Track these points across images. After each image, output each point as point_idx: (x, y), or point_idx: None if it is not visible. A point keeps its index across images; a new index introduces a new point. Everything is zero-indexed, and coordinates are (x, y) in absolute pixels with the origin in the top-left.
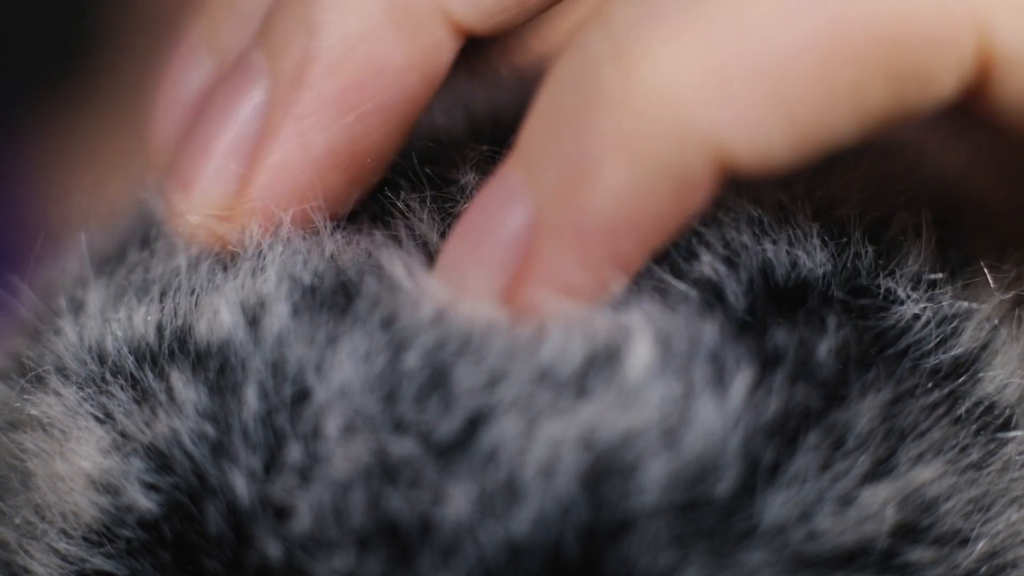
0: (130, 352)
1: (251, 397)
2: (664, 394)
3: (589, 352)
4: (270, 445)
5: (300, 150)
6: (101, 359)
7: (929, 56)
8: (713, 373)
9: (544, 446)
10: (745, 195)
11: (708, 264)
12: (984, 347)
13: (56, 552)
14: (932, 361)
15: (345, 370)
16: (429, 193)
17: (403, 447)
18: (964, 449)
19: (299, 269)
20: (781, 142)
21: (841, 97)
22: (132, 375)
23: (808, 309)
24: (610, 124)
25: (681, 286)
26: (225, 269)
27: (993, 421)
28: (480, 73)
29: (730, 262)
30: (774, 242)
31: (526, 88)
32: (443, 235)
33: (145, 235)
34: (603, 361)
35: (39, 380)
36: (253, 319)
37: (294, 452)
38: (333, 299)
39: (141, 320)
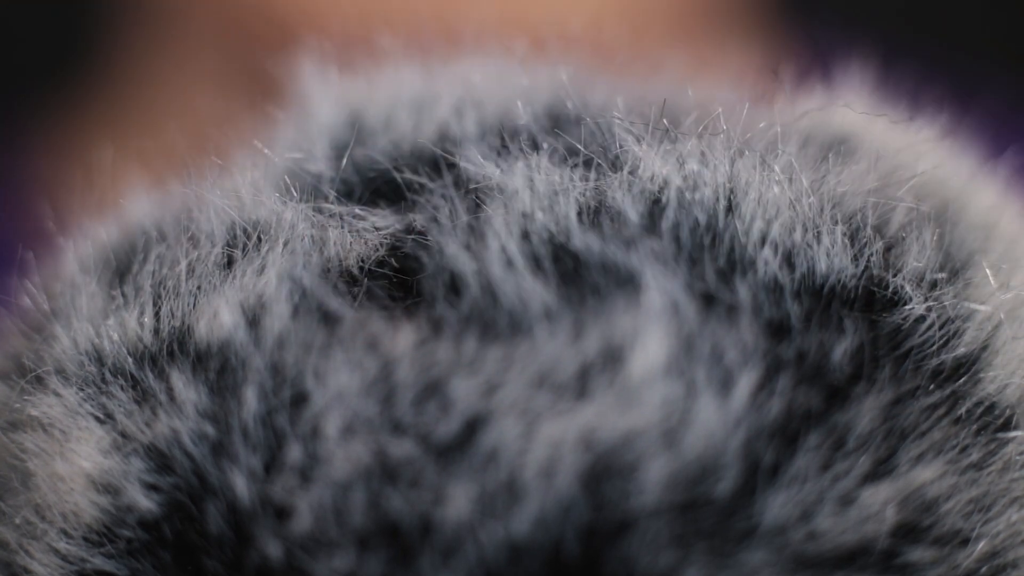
0: (129, 353)
1: (251, 397)
2: (665, 395)
3: (590, 353)
4: (270, 445)
5: None
6: (100, 360)
7: None
8: (717, 374)
9: (544, 447)
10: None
11: (726, 263)
12: (985, 347)
13: (56, 552)
14: (934, 362)
15: (341, 376)
16: (439, 185)
17: (402, 448)
18: (964, 449)
19: (299, 270)
20: None
21: None
22: (132, 375)
23: (829, 310)
24: None
25: (697, 286)
26: (225, 270)
27: (993, 421)
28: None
29: (752, 263)
30: (797, 241)
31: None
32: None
33: (146, 235)
34: (605, 362)
35: (39, 381)
36: (253, 319)
37: (294, 452)
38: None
39: (140, 321)
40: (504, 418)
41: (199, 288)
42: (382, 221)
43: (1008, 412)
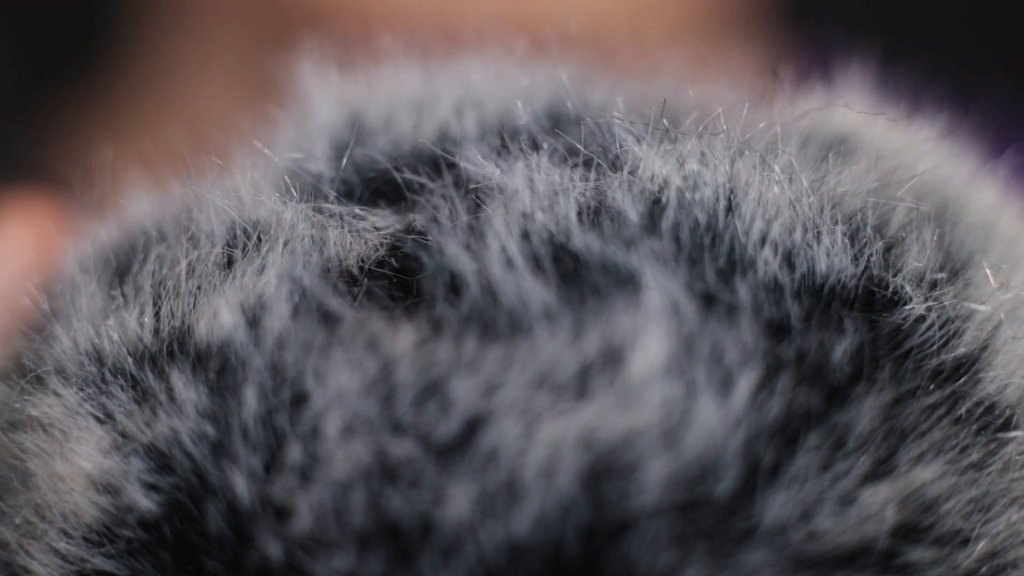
0: (129, 353)
1: (251, 397)
2: (665, 395)
3: (590, 353)
4: (270, 445)
5: None
6: (100, 360)
7: None
8: (717, 374)
9: (544, 447)
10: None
11: (726, 264)
12: (985, 347)
13: (56, 552)
14: (934, 362)
15: (341, 376)
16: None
17: (402, 448)
18: (964, 449)
19: (299, 270)
20: None
21: None
22: (132, 375)
23: (829, 310)
24: None
25: (697, 286)
26: (225, 270)
27: (993, 421)
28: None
29: (752, 263)
30: (797, 241)
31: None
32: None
33: (146, 235)
34: (605, 362)
35: (39, 381)
36: (253, 319)
37: (294, 452)
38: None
39: (140, 321)
40: (504, 418)
41: (199, 288)
42: (382, 221)
43: (1008, 412)
